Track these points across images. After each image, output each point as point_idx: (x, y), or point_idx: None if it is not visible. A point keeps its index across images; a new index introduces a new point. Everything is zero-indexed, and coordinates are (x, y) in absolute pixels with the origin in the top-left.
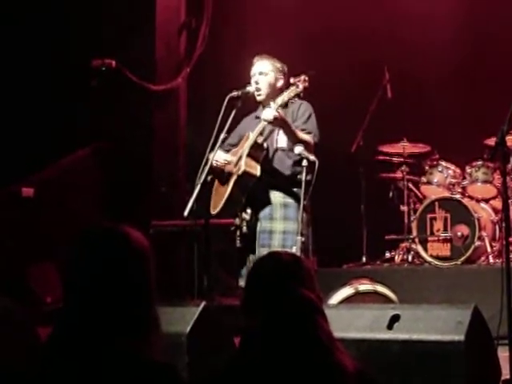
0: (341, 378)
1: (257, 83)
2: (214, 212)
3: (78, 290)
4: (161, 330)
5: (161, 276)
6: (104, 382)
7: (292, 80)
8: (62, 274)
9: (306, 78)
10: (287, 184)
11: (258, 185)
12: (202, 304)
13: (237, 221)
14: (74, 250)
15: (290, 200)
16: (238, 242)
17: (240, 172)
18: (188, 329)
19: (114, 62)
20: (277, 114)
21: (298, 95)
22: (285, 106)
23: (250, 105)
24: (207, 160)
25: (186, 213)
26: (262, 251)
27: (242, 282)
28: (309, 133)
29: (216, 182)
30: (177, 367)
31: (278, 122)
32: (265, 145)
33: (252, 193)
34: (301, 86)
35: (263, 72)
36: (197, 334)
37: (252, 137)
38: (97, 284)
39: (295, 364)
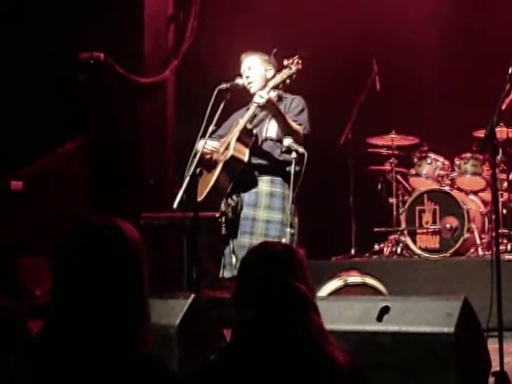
0: (331, 370)
1: (248, 77)
2: (199, 199)
3: (70, 285)
4: (151, 323)
5: (150, 268)
6: (93, 375)
7: (285, 62)
8: (54, 268)
9: (299, 61)
10: (275, 173)
11: (246, 171)
12: (192, 296)
13: (222, 207)
14: (68, 244)
15: (276, 189)
16: (224, 228)
17: (228, 156)
18: (177, 321)
19: (102, 55)
20: (268, 96)
21: (290, 77)
22: (279, 99)
23: (240, 99)
24: (196, 152)
25: (175, 205)
26: (243, 238)
27: (226, 273)
28: (299, 124)
29: (204, 172)
30: (165, 360)
31: (270, 107)
32: (254, 131)
33: (239, 179)
34: (294, 68)
35: (252, 66)
36: (186, 327)
37: (242, 122)
38: (90, 278)
39: (286, 356)
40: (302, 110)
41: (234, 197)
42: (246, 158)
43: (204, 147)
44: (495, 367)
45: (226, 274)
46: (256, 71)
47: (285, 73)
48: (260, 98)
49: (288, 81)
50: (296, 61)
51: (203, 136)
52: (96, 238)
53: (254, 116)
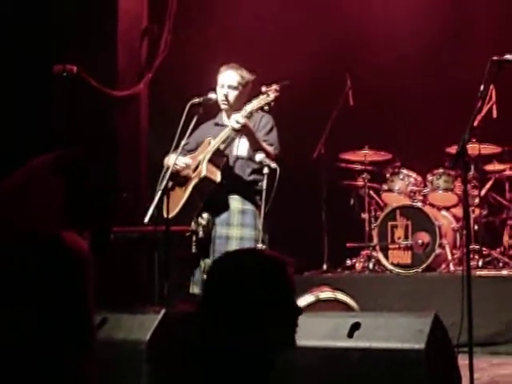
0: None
1: (225, 96)
2: (170, 214)
3: (9, 302)
4: (95, 340)
5: (121, 283)
6: None
7: (264, 89)
8: None
9: (278, 88)
10: (246, 191)
11: (217, 190)
12: (162, 311)
13: (193, 226)
14: (6, 255)
15: (247, 207)
16: (194, 247)
17: (201, 176)
18: (148, 336)
19: (74, 68)
20: (244, 121)
21: (268, 104)
22: (250, 115)
23: (209, 111)
24: (167, 166)
25: (146, 219)
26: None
27: (196, 289)
28: (270, 144)
29: (175, 187)
30: None
31: (245, 130)
32: (226, 152)
33: (210, 198)
34: (272, 96)
35: (232, 85)
36: (156, 342)
37: (214, 143)
38: (29, 293)
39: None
40: (272, 129)
41: (205, 215)
42: (218, 179)
43: (175, 163)
44: (465, 383)
45: (196, 290)
46: (235, 92)
47: (262, 99)
48: (236, 124)
49: (266, 108)
50: (274, 89)
51: (176, 150)
52: (35, 251)
53: (227, 138)
